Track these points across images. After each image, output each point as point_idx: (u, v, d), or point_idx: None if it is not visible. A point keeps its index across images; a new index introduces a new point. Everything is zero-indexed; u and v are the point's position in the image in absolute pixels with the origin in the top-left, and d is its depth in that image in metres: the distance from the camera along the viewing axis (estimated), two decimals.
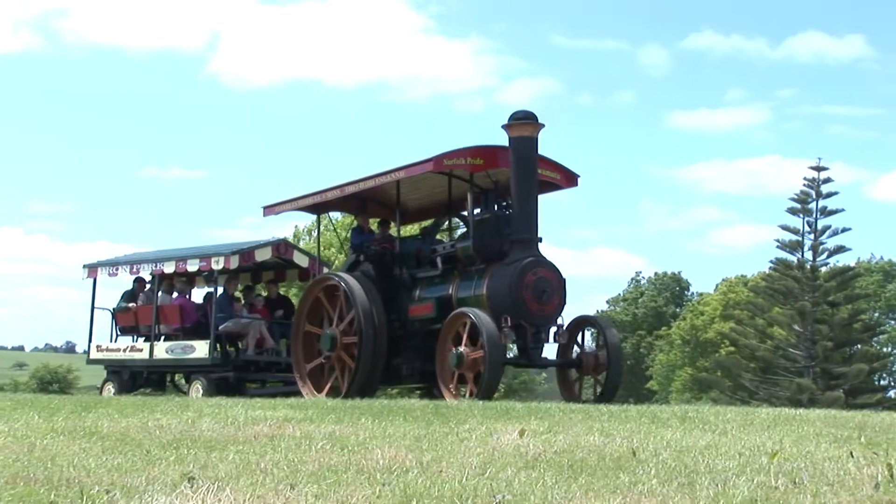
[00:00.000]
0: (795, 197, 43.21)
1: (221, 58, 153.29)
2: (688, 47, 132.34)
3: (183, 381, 19.52)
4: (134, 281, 20.25)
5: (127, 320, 19.88)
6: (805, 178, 43.02)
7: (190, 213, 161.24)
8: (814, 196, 42.77)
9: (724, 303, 63.82)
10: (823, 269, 43.20)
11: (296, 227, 46.97)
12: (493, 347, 12.29)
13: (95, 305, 20.43)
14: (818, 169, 42.82)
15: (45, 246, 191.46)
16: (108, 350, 19.98)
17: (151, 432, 6.91)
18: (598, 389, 13.72)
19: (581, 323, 13.80)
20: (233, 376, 18.03)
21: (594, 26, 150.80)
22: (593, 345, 14.10)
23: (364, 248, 15.13)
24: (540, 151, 13.44)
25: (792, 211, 43.23)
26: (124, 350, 19.63)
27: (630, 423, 7.78)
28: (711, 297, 70.19)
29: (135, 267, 19.78)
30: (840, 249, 42.85)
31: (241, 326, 18.57)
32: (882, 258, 70.52)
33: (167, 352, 18.69)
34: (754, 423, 7.93)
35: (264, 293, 20.24)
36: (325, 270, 17.55)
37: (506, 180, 13.50)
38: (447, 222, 15.78)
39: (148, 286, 19.92)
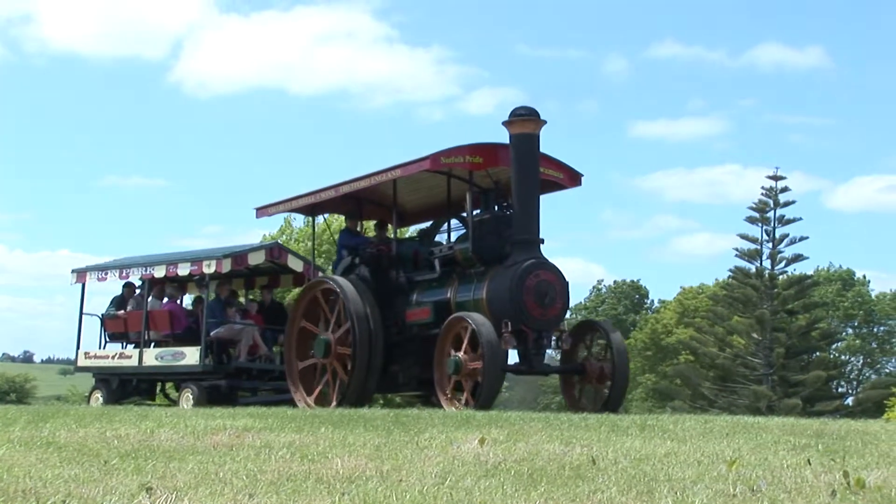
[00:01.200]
0: (753, 206, 43.59)
1: (183, 66, 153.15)
2: (650, 57, 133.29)
3: (174, 390, 19.00)
4: (123, 286, 19.74)
5: (116, 326, 19.39)
6: (763, 188, 43.45)
7: (151, 221, 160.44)
8: (772, 205, 43.15)
9: (680, 311, 64.23)
10: (782, 277, 43.56)
11: (264, 235, 46.61)
12: (493, 355, 11.82)
13: (84, 311, 19.92)
14: (776, 178, 43.24)
15: (3, 255, 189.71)
16: (96, 357, 19.46)
17: (109, 442, 6.85)
18: (602, 398, 13.02)
19: (585, 328, 13.48)
20: (225, 384, 17.58)
21: (557, 36, 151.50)
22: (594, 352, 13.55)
23: (359, 250, 14.65)
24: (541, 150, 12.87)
25: (750, 220, 43.60)
26: (113, 357, 19.12)
27: (590, 431, 7.80)
28: (669, 304, 70.56)
29: (124, 271, 19.26)
30: (798, 258, 43.24)
31: (234, 332, 18.11)
32: (840, 267, 71.25)
33: (157, 358, 18.17)
34: (713, 432, 7.98)
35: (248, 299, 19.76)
36: (321, 275, 16.98)
37: (506, 179, 13.05)
38: (446, 224, 14.97)
39: (138, 291, 19.43)
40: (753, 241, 43.59)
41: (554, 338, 12.76)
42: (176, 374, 18.19)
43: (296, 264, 19.08)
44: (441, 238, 14.55)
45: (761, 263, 43.49)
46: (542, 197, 12.96)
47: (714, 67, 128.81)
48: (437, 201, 14.99)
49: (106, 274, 19.51)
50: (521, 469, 5.50)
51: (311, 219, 16.76)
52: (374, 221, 16.06)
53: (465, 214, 13.54)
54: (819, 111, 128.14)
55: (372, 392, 14.05)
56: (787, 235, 43.08)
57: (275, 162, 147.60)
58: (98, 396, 18.94)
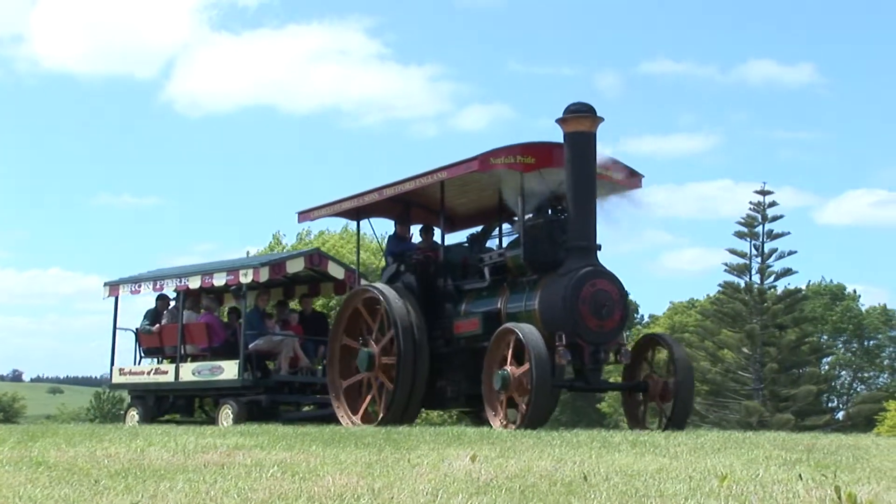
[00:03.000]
0: (742, 221, 43.68)
1: (175, 85, 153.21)
2: (641, 73, 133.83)
3: (213, 406, 18.27)
4: (157, 299, 19.13)
5: (151, 341, 18.71)
6: (751, 202, 43.56)
7: (143, 240, 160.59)
8: (760, 220, 43.27)
9: (670, 326, 64.25)
10: (771, 291, 43.64)
11: (247, 252, 46.52)
12: (541, 367, 10.90)
13: (118, 326, 19.22)
14: (764, 193, 43.38)
15: None
16: (131, 373, 18.74)
17: (100, 461, 6.82)
18: (665, 418, 12.13)
19: (649, 341, 12.77)
20: (265, 399, 16.82)
21: (549, 53, 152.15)
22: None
23: (405, 256, 13.96)
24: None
25: (739, 235, 43.72)
26: (148, 373, 18.40)
27: (581, 447, 7.79)
28: (659, 320, 70.58)
29: (158, 283, 18.52)
30: (787, 272, 43.35)
31: (273, 344, 17.37)
32: (831, 281, 71.40)
33: (194, 373, 17.44)
34: (704, 447, 7.97)
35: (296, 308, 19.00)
36: (364, 282, 16.05)
37: (561, 181, 12.14)
38: (497, 228, 14.21)
39: (172, 303, 18.77)
40: (742, 255, 43.71)
41: (612, 352, 11.93)
42: (214, 390, 17.46)
43: (337, 271, 18.37)
44: (493, 244, 13.95)
45: (750, 278, 43.62)
46: (600, 200, 12.23)
47: (705, 83, 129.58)
48: (489, 204, 14.23)
49: (139, 286, 18.83)
50: (512, 486, 5.49)
51: (350, 224, 16.09)
52: (421, 226, 15.15)
53: (517, 219, 12.70)
54: (809, 126, 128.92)
55: (418, 407, 13.41)
56: (775, 250, 43.24)
57: (267, 180, 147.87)
58: (134, 414, 18.27)
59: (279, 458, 7.00)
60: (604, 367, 11.88)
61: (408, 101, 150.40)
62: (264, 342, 17.21)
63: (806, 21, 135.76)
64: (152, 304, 19.26)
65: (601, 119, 11.86)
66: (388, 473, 6.02)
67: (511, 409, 11.72)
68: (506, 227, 13.89)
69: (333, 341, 14.13)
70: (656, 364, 12.75)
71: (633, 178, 13.13)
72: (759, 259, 43.46)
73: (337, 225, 42.98)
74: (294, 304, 19.40)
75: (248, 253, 45.84)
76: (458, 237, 14.88)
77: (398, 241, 14.76)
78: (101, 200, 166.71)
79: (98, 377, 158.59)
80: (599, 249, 11.92)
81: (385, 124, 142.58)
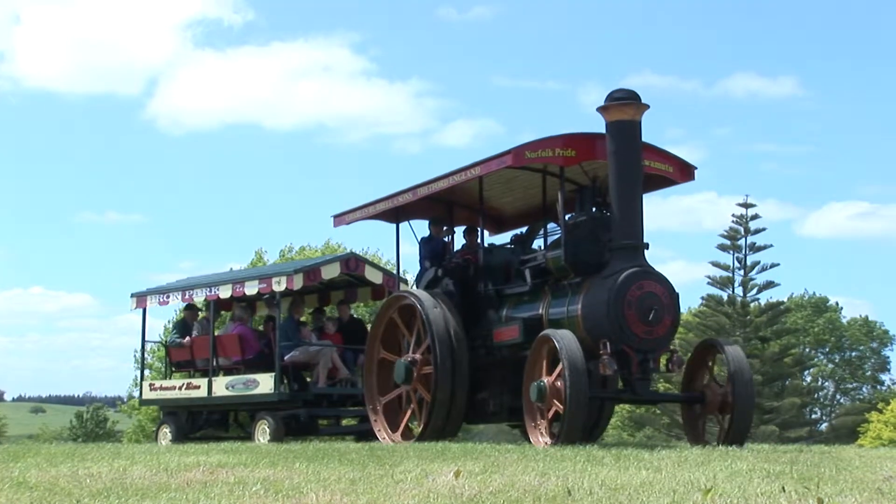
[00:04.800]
0: (725, 233, 43.79)
1: (158, 102, 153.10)
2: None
3: (249, 420, 17.34)
4: (185, 309, 18.65)
5: (181, 354, 17.97)
6: (734, 215, 43.65)
7: (126, 257, 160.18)
8: (742, 232, 43.36)
9: None
10: (754, 304, 43.74)
11: (230, 268, 46.27)
12: (575, 377, 10.03)
13: (146, 339, 18.66)
14: (746, 206, 43.45)
15: None
16: (161, 389, 18.01)
17: (82, 481, 6.78)
18: (723, 432, 11.23)
19: (708, 347, 11.70)
20: (303, 413, 16.03)
21: (534, 68, 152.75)
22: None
23: (443, 260, 13.17)
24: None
25: (721, 247, 43.77)
26: (180, 388, 17.48)
27: (565, 461, 7.79)
28: None
29: (187, 293, 17.71)
30: (770, 285, 43.43)
31: (310, 355, 16.46)
32: (813, 293, 71.67)
33: (227, 388, 16.52)
34: (688, 460, 7.98)
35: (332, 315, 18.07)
36: (402, 287, 15.07)
37: (605, 175, 11.32)
38: (543, 228, 13.11)
39: (201, 314, 18.18)
40: (725, 268, 43.77)
41: (663, 360, 11.17)
42: (249, 404, 16.63)
43: (374, 276, 17.40)
44: (539, 245, 13.04)
45: (733, 291, 43.67)
46: (648, 195, 11.62)
47: (688, 97, 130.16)
48: (537, 203, 13.24)
49: (168, 297, 18.07)
50: (496, 501, 5.49)
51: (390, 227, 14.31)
52: (465, 227, 14.16)
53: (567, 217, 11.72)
54: (792, 139, 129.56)
55: (459, 422, 12.54)
56: (758, 262, 43.29)
57: (251, 197, 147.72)
58: (166, 432, 17.51)
59: (262, 475, 6.98)
60: (653, 376, 11.14)
61: (393, 117, 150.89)
62: (300, 353, 16.43)
63: (788, 35, 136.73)
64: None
65: (646, 106, 11.03)
66: (372, 490, 6.01)
67: (557, 422, 10.81)
68: (551, 226, 12.86)
69: (370, 354, 13.45)
70: (717, 372, 11.84)
71: (685, 171, 12.28)
72: (741, 272, 43.57)
73: (319, 240, 42.78)
74: (330, 312, 18.62)
75: (230, 269, 45.72)
76: (505, 238, 14.03)
77: (430, 243, 13.87)
78: (84, 218, 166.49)
79: (80, 396, 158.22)
80: (647, 248, 11.06)
81: (369, 141, 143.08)
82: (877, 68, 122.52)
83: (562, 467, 7.24)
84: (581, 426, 10.35)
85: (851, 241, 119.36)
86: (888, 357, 71.19)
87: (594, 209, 11.48)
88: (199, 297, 17.64)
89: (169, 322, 41.79)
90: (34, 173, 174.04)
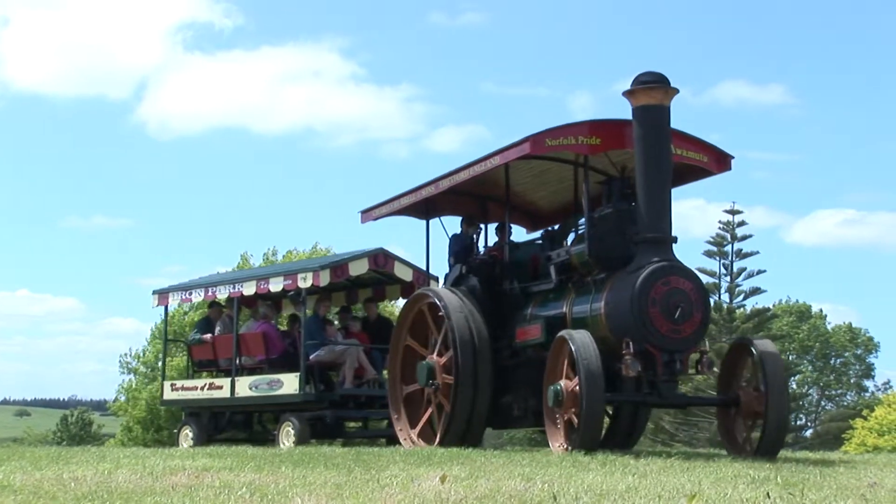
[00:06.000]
0: (711, 240, 43.89)
1: (147, 106, 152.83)
2: (614, 93, 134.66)
3: (273, 421, 16.98)
4: (208, 306, 18.24)
5: (204, 353, 17.54)
6: (720, 222, 43.76)
7: (113, 261, 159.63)
8: (729, 239, 43.47)
9: None
10: (740, 310, 43.83)
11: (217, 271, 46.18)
12: (591, 379, 9.42)
13: (168, 337, 18.35)
14: (733, 212, 43.54)
15: None
16: (183, 389, 17.54)
17: (66, 485, 6.76)
18: (755, 440, 10.33)
19: (741, 348, 10.81)
20: (329, 415, 15.48)
21: (523, 73, 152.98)
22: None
23: (469, 257, 12.68)
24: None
25: (708, 254, 43.84)
26: (202, 388, 17.02)
27: (551, 467, 7.79)
28: None
29: (210, 290, 17.30)
30: (756, 291, 43.53)
31: (336, 354, 16.02)
32: (798, 300, 71.84)
33: (251, 388, 16.06)
34: (674, 466, 8.00)
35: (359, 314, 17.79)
36: (431, 285, 14.32)
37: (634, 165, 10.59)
38: (576, 223, 12.27)
39: (224, 312, 17.65)
40: (712, 274, 43.82)
41: (693, 361, 10.45)
42: (273, 405, 16.16)
43: (404, 273, 16.70)
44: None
45: (720, 297, 43.75)
46: (681, 187, 11.20)
47: (677, 104, 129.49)
48: (571, 196, 12.50)
49: (190, 294, 17.81)
50: None
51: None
52: (497, 224, 13.51)
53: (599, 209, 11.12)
54: (781, 147, 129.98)
55: (481, 428, 11.97)
56: (744, 269, 43.40)
57: (239, 201, 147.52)
58: (188, 433, 17.06)
59: (248, 479, 6.96)
60: (680, 378, 10.38)
61: (381, 122, 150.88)
62: (326, 352, 15.97)
63: (777, 42, 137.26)
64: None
65: (676, 90, 10.34)
66: (358, 494, 6.00)
67: None
68: (582, 220, 11.90)
69: (396, 342, 12.88)
70: (753, 374, 10.79)
71: (721, 161, 11.60)
72: (728, 278, 43.67)
73: (307, 244, 42.69)
74: (357, 310, 18.28)
75: (216, 272, 45.52)
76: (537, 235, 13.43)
77: (457, 240, 13.32)
78: (71, 222, 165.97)
79: (65, 399, 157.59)
80: (675, 242, 10.42)
81: (358, 145, 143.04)
82: (865, 76, 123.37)
83: (548, 472, 7.24)
84: (598, 433, 9.87)
85: (838, 248, 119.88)
86: (873, 364, 71.45)
87: (621, 200, 10.82)
88: (222, 294, 17.19)
89: (155, 326, 41.85)
90: (21, 176, 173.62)
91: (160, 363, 39.38)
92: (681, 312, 9.90)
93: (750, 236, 43.67)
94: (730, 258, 43.55)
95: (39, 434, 76.00)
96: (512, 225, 13.03)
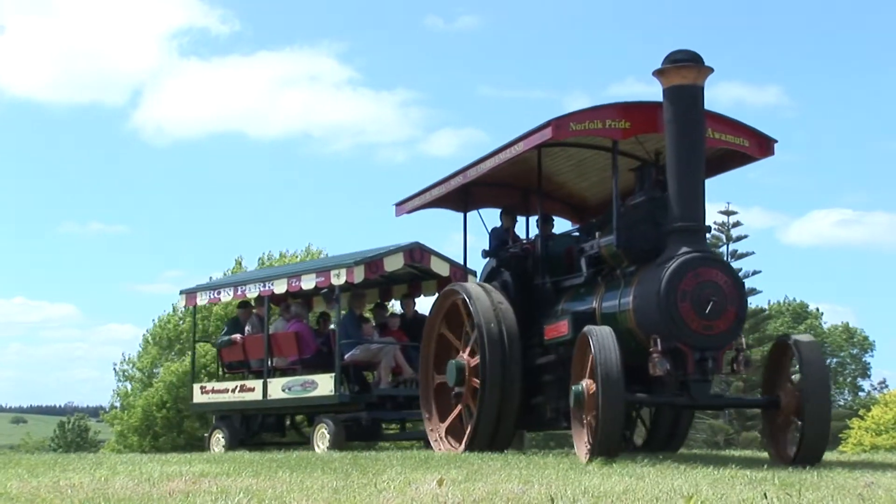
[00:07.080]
0: (707, 241, 43.95)
1: (143, 112, 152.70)
2: (610, 95, 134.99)
3: (307, 424, 16.62)
4: (238, 306, 17.79)
5: (234, 354, 16.97)
6: (715, 223, 43.80)
7: (110, 268, 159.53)
8: (724, 240, 43.52)
9: None
10: None
11: (209, 277, 46.05)
12: (609, 380, 8.68)
13: (197, 338, 17.86)
14: (728, 213, 43.61)
15: None
16: (214, 392, 16.98)
17: (63, 492, 6.75)
18: (795, 445, 9.36)
19: (783, 347, 9.73)
20: (366, 416, 14.96)
21: (520, 76, 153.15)
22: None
23: (500, 251, 12.06)
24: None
25: None
26: (233, 391, 16.46)
27: (549, 469, 7.79)
28: None
29: (239, 289, 16.86)
30: (751, 292, 43.54)
31: (372, 353, 15.41)
32: (794, 300, 71.82)
33: (284, 390, 15.58)
34: (671, 467, 8.00)
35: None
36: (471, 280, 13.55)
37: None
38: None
39: (254, 312, 17.11)
40: None
41: (728, 360, 9.67)
42: (308, 407, 15.69)
43: (441, 268, 16.12)
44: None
45: None
46: (722, 176, 10.68)
47: None
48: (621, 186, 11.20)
49: (219, 293, 17.34)
50: None
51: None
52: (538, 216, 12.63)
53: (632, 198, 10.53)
54: (777, 147, 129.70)
55: (510, 431, 11.37)
56: (740, 270, 43.45)
57: (236, 206, 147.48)
58: (220, 438, 16.54)
59: (245, 484, 6.95)
60: (713, 378, 9.56)
61: (378, 126, 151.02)
62: (361, 351, 15.38)
63: (773, 43, 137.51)
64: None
65: (710, 70, 9.62)
66: (355, 499, 6.00)
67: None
68: None
69: (430, 331, 12.32)
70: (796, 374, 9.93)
71: (763, 146, 11.05)
72: None
73: (300, 245, 42.63)
74: (393, 307, 17.82)
75: (210, 278, 45.46)
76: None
77: (495, 233, 12.76)
78: (67, 229, 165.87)
79: (62, 406, 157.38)
80: (709, 232, 9.93)
81: (355, 150, 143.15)
82: (861, 77, 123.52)
83: (545, 475, 7.24)
84: (617, 436, 9.00)
85: (835, 248, 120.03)
86: (869, 363, 71.53)
87: (654, 187, 10.22)
88: (252, 293, 16.75)
89: (147, 332, 41.76)
90: (17, 183, 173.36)
91: (156, 369, 39.52)
92: (713, 307, 9.14)
93: (745, 237, 43.77)
94: (725, 258, 43.62)
95: (37, 441, 75.98)
96: (556, 217, 12.62)
